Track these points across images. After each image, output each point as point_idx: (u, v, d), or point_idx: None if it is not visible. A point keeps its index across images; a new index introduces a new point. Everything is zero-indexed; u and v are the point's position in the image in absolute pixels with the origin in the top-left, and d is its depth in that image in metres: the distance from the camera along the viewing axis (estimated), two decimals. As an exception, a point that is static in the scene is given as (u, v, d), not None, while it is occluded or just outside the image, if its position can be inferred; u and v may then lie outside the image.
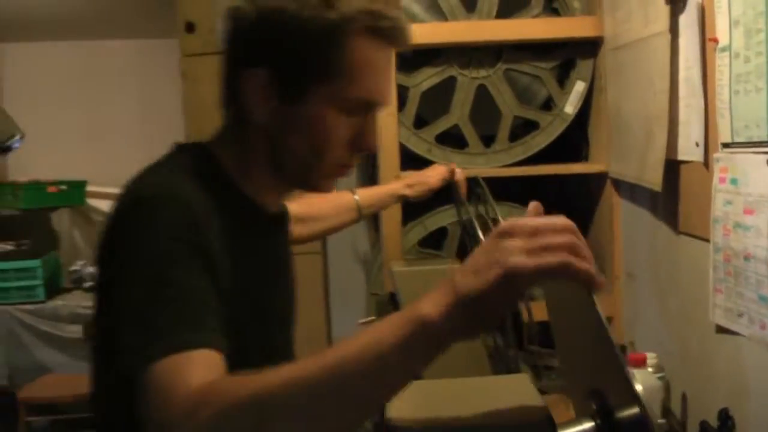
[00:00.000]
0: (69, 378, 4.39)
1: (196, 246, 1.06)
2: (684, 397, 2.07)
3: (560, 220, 0.85)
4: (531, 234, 0.82)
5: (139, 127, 5.71)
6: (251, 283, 1.22)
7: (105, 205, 5.45)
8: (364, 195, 2.07)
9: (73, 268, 5.11)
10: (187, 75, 4.31)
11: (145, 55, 5.66)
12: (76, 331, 4.41)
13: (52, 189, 5.12)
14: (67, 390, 4.24)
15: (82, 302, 4.72)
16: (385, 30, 1.16)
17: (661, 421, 0.94)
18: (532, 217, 0.92)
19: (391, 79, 1.23)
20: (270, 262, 1.31)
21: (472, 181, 2.21)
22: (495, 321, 0.85)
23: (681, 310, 2.11)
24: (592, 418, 0.94)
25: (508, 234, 0.83)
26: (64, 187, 5.17)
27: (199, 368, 0.94)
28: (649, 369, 2.01)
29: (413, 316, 0.83)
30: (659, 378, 2.06)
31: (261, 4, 1.17)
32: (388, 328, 0.84)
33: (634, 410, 0.81)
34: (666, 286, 2.22)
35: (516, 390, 1.00)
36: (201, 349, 0.96)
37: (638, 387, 0.90)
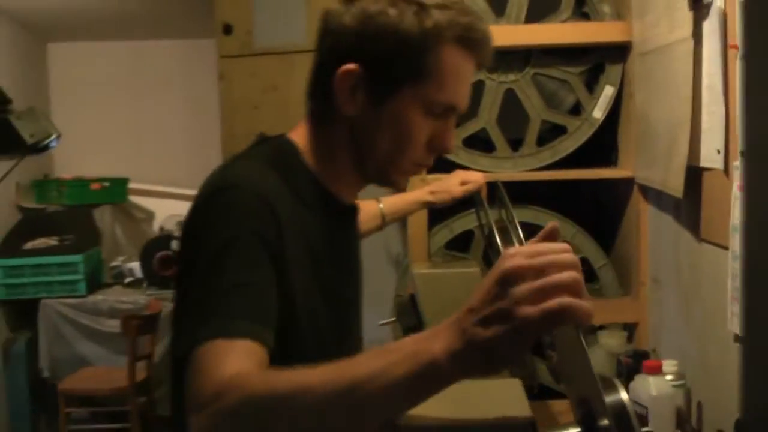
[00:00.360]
0: (108, 371, 4.49)
1: (263, 237, 1.14)
2: (700, 406, 2.06)
3: (564, 252, 0.86)
4: (536, 274, 0.83)
5: (181, 126, 5.80)
6: (326, 271, 1.29)
7: (146, 202, 5.56)
8: (389, 203, 2.11)
9: (114, 263, 5.21)
10: (224, 76, 4.37)
11: (188, 56, 5.75)
12: (115, 325, 4.50)
13: (95, 186, 5.23)
14: (105, 383, 4.34)
15: (121, 297, 4.82)
16: (473, 41, 1.24)
17: (645, 429, 0.95)
18: (539, 242, 0.95)
19: (469, 87, 1.31)
20: (344, 252, 1.39)
21: (492, 186, 2.22)
22: (507, 365, 0.88)
23: (702, 318, 2.10)
24: (578, 424, 0.96)
25: (512, 278, 0.84)
26: (106, 184, 5.28)
27: (238, 356, 1.00)
28: (668, 377, 2.00)
29: (424, 356, 0.86)
30: (678, 386, 2.05)
31: (362, 8, 1.25)
32: (401, 361, 0.87)
33: (604, 422, 0.83)
34: (689, 293, 2.21)
35: (506, 394, 1.02)
36: (244, 339, 1.02)
37: (623, 395, 0.91)
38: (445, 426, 0.93)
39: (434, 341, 0.86)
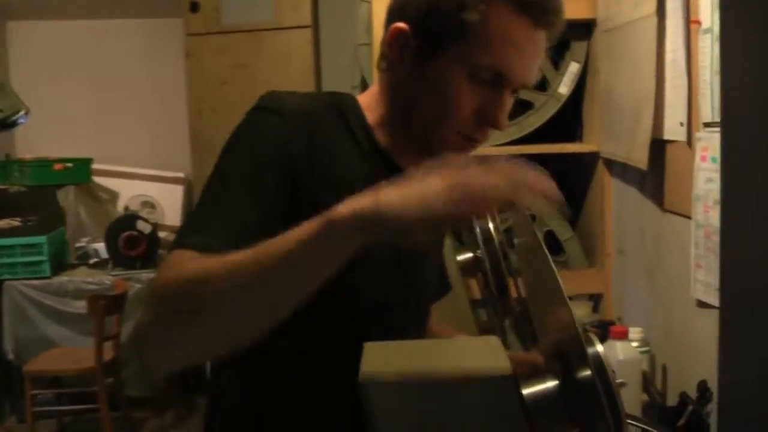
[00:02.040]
0: (74, 351, 4.46)
1: (281, 159, 1.12)
2: (665, 370, 2.13)
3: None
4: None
5: (145, 105, 5.75)
6: None
7: (111, 183, 5.51)
8: None
9: (79, 244, 5.17)
10: (191, 53, 4.35)
11: (152, 35, 5.69)
12: (80, 306, 4.47)
13: (58, 166, 5.17)
14: (71, 364, 4.31)
15: (87, 278, 4.78)
16: (528, 5, 1.13)
17: (619, 381, 0.99)
18: None
19: (534, 60, 1.18)
20: None
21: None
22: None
23: (666, 286, 2.17)
24: (556, 376, 1.00)
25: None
26: (70, 164, 5.22)
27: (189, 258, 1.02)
28: (634, 343, 2.06)
29: (325, 215, 0.90)
30: (643, 352, 2.11)
31: None
32: (303, 226, 0.92)
33: (587, 372, 0.87)
34: (653, 262, 2.27)
35: (484, 350, 1.04)
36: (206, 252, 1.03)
37: (599, 348, 0.95)
38: (417, 382, 0.93)
39: (342, 204, 0.90)
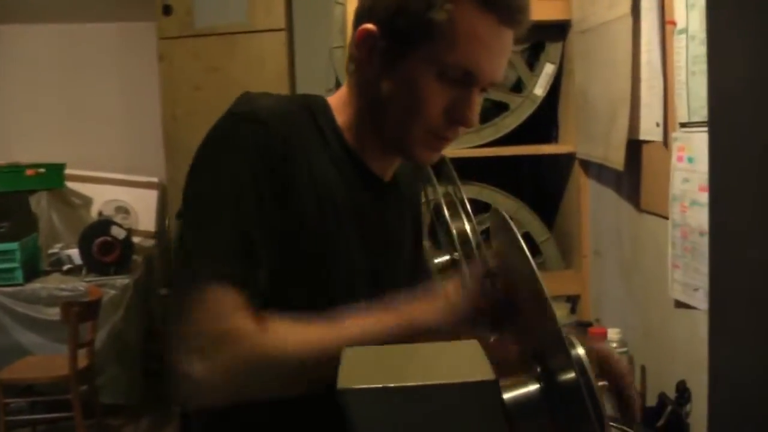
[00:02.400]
0: (48, 359, 4.40)
1: (264, 171, 1.12)
2: (644, 370, 2.13)
3: None
4: None
5: (119, 110, 5.70)
6: (332, 222, 1.21)
7: (84, 188, 5.45)
8: None
9: (52, 251, 5.10)
10: (164, 57, 4.32)
11: (126, 39, 5.64)
12: (54, 313, 4.40)
13: (30, 172, 5.10)
14: (45, 371, 4.25)
15: (60, 285, 4.71)
16: (492, 3, 1.14)
17: (602, 383, 0.98)
18: None
19: (502, 57, 1.19)
20: (372, 222, 1.29)
21: (438, 162, 2.24)
22: None
23: (643, 286, 2.17)
24: (537, 380, 0.99)
25: None
26: (42, 170, 5.15)
27: (234, 304, 1.06)
28: (612, 344, 2.06)
29: (407, 320, 1.10)
30: (622, 353, 2.11)
31: None
32: (380, 324, 1.09)
33: (571, 375, 0.86)
34: (629, 263, 2.27)
35: (465, 354, 1.03)
36: (235, 285, 1.07)
37: (581, 351, 0.94)
38: (397, 389, 0.92)
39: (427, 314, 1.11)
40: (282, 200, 1.13)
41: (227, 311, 1.05)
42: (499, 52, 1.18)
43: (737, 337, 0.67)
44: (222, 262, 1.07)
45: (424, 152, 1.24)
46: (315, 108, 1.24)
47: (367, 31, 1.19)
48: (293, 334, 1.06)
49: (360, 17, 1.22)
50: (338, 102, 1.27)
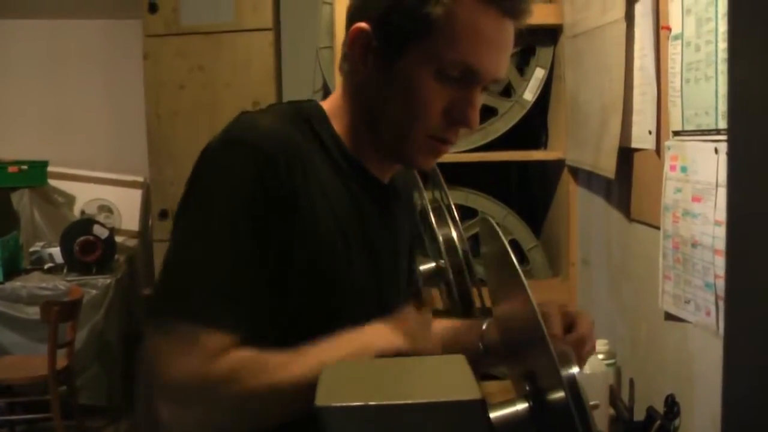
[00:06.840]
0: (26, 359, 4.34)
1: (259, 200, 1.05)
2: (632, 384, 2.09)
3: None
4: None
5: (103, 108, 5.64)
6: (337, 229, 1.15)
7: (67, 186, 5.39)
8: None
9: (33, 249, 5.05)
10: (149, 55, 4.27)
11: (110, 36, 5.58)
12: (34, 312, 4.35)
13: (12, 169, 5.05)
14: (24, 371, 4.19)
15: (41, 283, 4.66)
16: None
17: (593, 402, 0.94)
18: None
19: (505, 52, 1.13)
20: (376, 230, 1.23)
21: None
22: None
23: (633, 297, 2.13)
24: (526, 399, 0.95)
25: None
26: (24, 167, 5.10)
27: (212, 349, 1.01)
28: (600, 356, 2.03)
29: (365, 344, 1.06)
30: (609, 365, 2.08)
31: None
32: (341, 348, 1.05)
33: (560, 394, 0.82)
34: (619, 273, 2.24)
35: (450, 370, 0.99)
36: (217, 329, 1.02)
37: (575, 370, 0.90)
38: (377, 407, 0.88)
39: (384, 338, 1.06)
40: (286, 223, 1.07)
41: (201, 357, 0.99)
42: (502, 46, 1.12)
43: (753, 359, 0.63)
44: (201, 303, 1.02)
45: (424, 158, 1.18)
46: (312, 118, 1.18)
47: (360, 29, 1.14)
48: (262, 375, 1.02)
49: (352, 16, 1.17)
50: (334, 107, 1.22)
